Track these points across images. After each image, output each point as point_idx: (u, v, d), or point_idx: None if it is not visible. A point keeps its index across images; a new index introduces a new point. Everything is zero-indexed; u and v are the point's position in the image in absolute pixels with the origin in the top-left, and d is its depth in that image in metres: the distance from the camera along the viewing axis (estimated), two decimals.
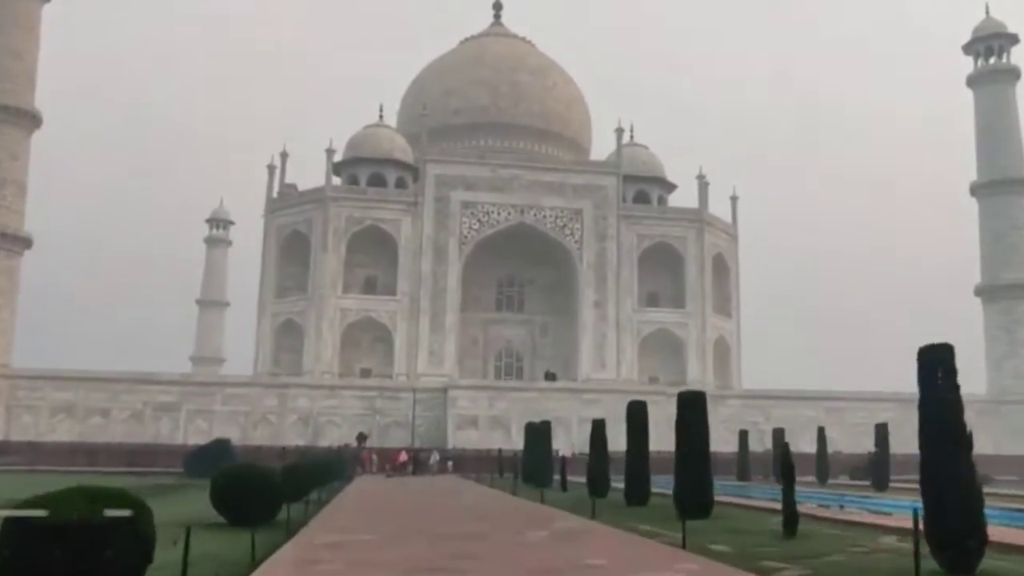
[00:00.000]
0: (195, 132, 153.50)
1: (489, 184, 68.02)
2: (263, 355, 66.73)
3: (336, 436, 50.19)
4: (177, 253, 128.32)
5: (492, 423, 49.99)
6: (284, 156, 72.71)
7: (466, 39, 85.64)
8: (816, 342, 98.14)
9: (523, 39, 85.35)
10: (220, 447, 37.02)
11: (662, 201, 74.29)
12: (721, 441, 53.69)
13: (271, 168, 70.88)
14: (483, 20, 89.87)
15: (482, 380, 57.28)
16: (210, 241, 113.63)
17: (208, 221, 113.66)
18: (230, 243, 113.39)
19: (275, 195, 70.28)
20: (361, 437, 48.03)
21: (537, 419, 50.61)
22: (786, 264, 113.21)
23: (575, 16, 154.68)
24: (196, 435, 48.10)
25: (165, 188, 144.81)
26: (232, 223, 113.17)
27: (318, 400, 50.92)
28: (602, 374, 63.76)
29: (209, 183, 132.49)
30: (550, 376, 54.77)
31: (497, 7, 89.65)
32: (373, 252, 67.45)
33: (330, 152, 67.56)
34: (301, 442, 49.35)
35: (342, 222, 65.87)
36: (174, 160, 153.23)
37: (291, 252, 67.90)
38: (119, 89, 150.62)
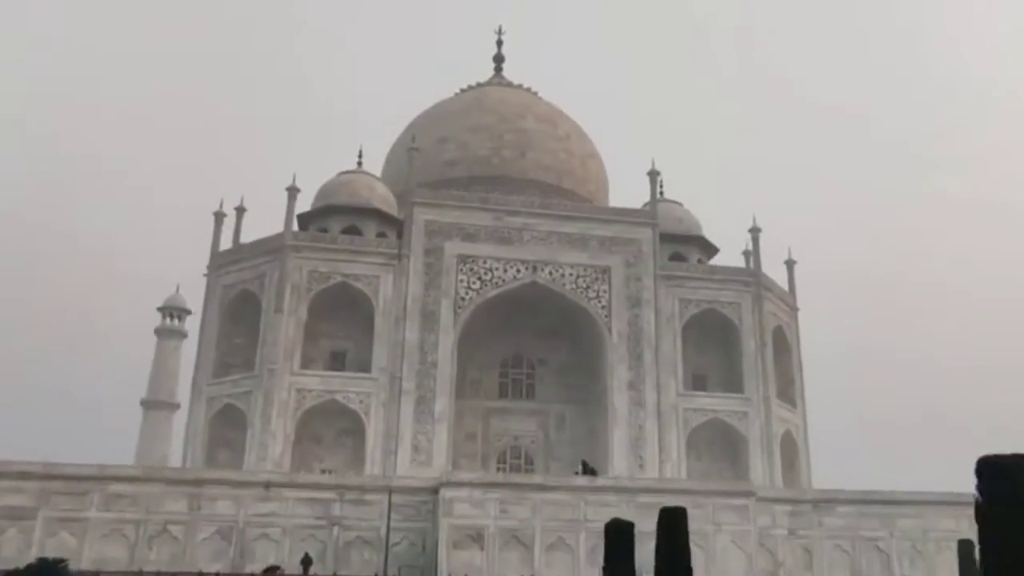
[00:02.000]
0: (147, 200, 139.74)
1: (493, 234, 53.91)
2: (193, 452, 50.74)
3: (273, 557, 33.80)
4: (121, 342, 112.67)
5: (506, 539, 33.66)
6: (241, 211, 58.74)
7: (464, 89, 73.79)
8: (886, 442, 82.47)
9: (528, 89, 73.61)
10: (43, 572, 21.10)
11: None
12: (834, 565, 37.74)
13: (218, 215, 56.71)
14: (482, 78, 78.44)
15: (491, 475, 41.12)
16: (161, 332, 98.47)
17: (160, 309, 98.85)
18: (185, 335, 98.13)
19: (223, 250, 55.81)
20: (306, 560, 31.72)
21: (576, 532, 34.70)
22: (849, 343, 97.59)
23: (583, 76, 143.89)
24: (60, 555, 31.75)
25: (110, 267, 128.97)
26: (188, 312, 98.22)
27: (248, 504, 34.63)
28: (641, 476, 47.77)
29: (161, 266, 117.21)
30: (589, 470, 38.95)
31: (498, 59, 78.31)
32: (343, 318, 52.52)
33: (292, 190, 53.53)
34: (218, 567, 32.92)
35: (303, 277, 51.19)
36: (120, 226, 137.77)
37: (238, 319, 52.87)
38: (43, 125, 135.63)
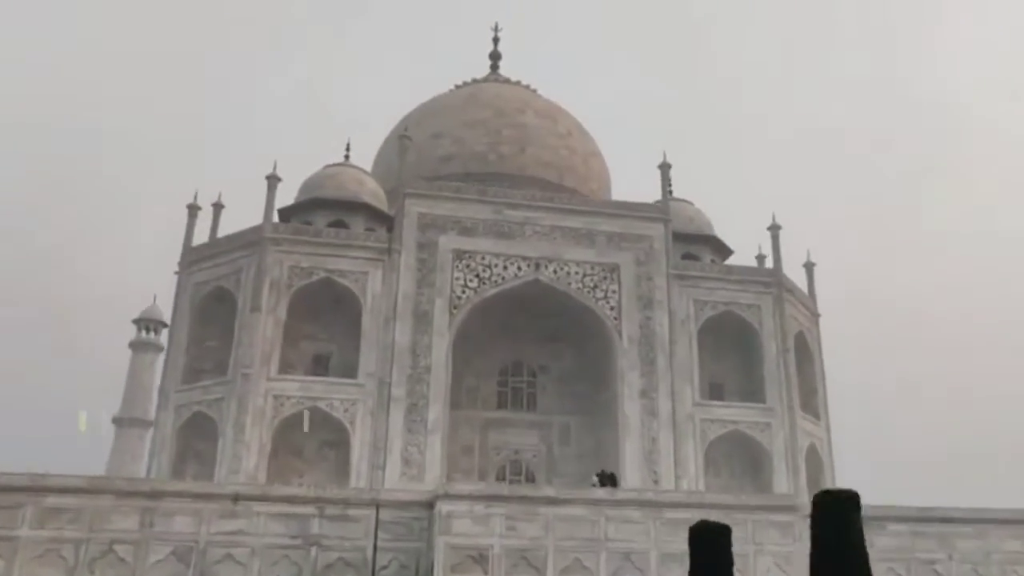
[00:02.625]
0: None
1: (492, 228, 49.44)
2: (159, 465, 45.71)
3: None
4: (95, 356, 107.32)
5: (513, 561, 28.69)
6: (218, 207, 54.20)
7: (459, 85, 69.66)
8: (892, 458, 77.73)
9: (526, 86, 69.59)
10: None
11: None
12: None
13: (192, 208, 52.00)
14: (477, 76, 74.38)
15: (494, 486, 36.28)
16: (136, 346, 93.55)
17: (136, 321, 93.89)
18: (161, 349, 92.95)
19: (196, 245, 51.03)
20: None
21: (595, 553, 29.80)
22: (867, 350, 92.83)
23: (581, 76, 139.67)
24: None
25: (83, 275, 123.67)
26: (165, 325, 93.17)
27: (211, 521, 29.65)
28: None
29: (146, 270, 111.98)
30: (607, 479, 34.09)
31: (495, 56, 74.34)
32: (326, 319, 47.80)
33: (272, 179, 49.01)
34: None
35: (284, 272, 46.46)
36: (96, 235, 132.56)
37: (210, 319, 48.06)
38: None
